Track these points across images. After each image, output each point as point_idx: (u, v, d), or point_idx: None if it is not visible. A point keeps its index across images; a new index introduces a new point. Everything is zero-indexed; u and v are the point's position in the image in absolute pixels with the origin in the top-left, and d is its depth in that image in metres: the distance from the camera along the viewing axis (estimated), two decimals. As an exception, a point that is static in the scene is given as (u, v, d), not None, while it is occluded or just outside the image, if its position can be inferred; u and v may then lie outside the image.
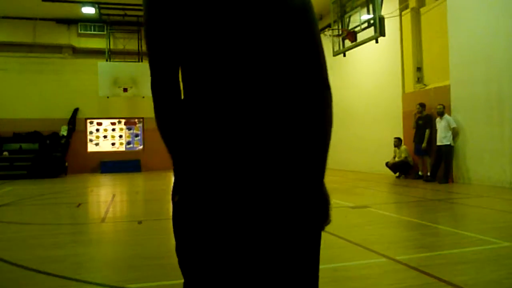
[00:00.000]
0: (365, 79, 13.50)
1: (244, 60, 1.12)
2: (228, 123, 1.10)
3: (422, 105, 10.46)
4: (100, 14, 15.81)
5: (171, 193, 1.19)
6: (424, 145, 10.25)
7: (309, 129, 1.14)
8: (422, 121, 10.47)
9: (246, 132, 1.10)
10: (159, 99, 1.17)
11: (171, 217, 1.17)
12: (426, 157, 10.45)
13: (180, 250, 1.16)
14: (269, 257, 1.12)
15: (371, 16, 9.78)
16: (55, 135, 16.48)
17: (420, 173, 10.73)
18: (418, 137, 10.55)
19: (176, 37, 1.13)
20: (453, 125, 9.51)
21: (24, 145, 15.97)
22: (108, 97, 16.23)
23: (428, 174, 10.24)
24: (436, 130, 9.90)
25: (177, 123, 1.15)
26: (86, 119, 17.52)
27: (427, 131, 10.23)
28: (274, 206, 1.11)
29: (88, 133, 17.70)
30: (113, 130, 18.11)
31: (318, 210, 1.17)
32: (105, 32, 16.72)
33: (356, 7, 10.38)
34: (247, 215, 1.10)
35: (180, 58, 1.16)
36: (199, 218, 1.10)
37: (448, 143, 9.56)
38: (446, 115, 9.64)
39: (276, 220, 1.12)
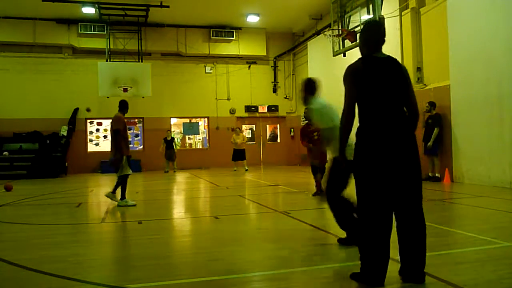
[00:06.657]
0: (365, 79, 13.47)
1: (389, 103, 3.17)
2: (382, 134, 3.03)
3: (432, 104, 10.18)
4: (100, 14, 15.80)
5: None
6: (430, 143, 9.92)
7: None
8: (432, 120, 10.17)
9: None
10: (349, 120, 3.12)
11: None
12: (435, 157, 10.08)
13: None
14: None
15: (371, 16, 9.78)
16: (55, 135, 16.47)
17: (430, 174, 10.16)
18: (427, 136, 10.15)
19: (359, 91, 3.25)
20: None
21: (24, 145, 15.98)
22: (108, 97, 16.22)
23: (437, 175, 9.97)
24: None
25: (350, 131, 3.17)
26: (86, 119, 17.52)
27: (436, 130, 9.94)
28: None
29: (88, 133, 17.70)
30: (113, 130, 18.08)
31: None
32: (105, 32, 16.70)
33: (356, 7, 10.39)
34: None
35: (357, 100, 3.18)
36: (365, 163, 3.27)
37: None
38: None
39: None
